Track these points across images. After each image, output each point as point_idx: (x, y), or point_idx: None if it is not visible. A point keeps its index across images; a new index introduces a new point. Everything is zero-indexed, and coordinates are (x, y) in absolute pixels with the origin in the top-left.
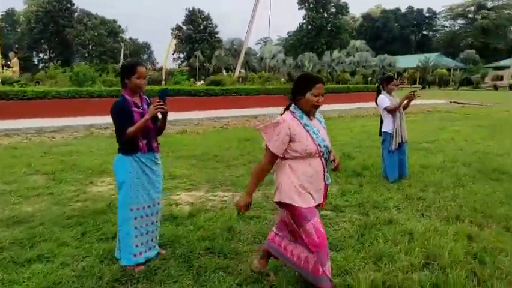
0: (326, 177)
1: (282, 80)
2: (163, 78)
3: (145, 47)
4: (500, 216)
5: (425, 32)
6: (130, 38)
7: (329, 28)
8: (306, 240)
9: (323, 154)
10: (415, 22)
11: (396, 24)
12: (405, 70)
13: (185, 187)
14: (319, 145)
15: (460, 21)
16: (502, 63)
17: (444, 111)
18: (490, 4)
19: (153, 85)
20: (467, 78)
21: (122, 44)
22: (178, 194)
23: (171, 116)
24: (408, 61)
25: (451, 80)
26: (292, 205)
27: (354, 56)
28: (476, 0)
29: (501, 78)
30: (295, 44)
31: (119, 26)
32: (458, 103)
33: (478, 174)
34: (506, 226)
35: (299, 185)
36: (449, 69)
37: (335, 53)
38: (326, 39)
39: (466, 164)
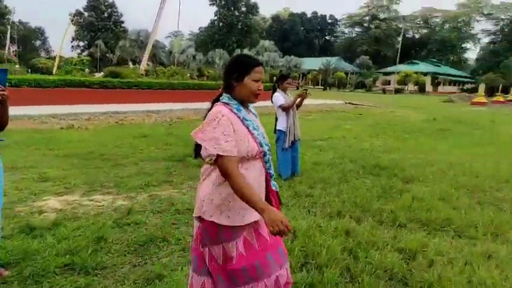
0: (271, 183)
1: (188, 74)
2: (56, 67)
3: (38, 32)
4: (375, 210)
5: (327, 37)
6: (20, 21)
7: (239, 27)
8: (207, 260)
9: (265, 155)
10: (319, 27)
11: (302, 28)
12: (309, 72)
13: (56, 191)
14: (260, 144)
15: (357, 29)
16: (389, 69)
17: (340, 111)
18: (382, 15)
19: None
20: (361, 81)
21: (8, 27)
22: (45, 200)
23: (55, 109)
24: (312, 63)
25: (348, 82)
26: (214, 223)
27: (263, 56)
28: (371, 11)
29: (389, 82)
30: (207, 40)
31: (6, 7)
32: (352, 104)
33: (361, 170)
34: (380, 220)
35: (230, 198)
36: (346, 73)
37: (245, 52)
38: (237, 37)
39: (352, 161)
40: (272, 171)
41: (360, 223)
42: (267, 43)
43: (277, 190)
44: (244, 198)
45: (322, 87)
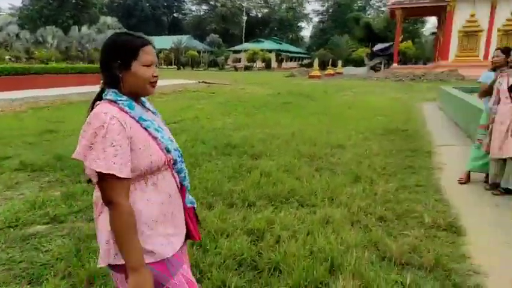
0: (186, 198)
1: (7, 57)
2: None
3: None
4: (226, 193)
5: (175, 15)
6: None
7: (74, 1)
8: None
9: (175, 162)
10: (165, 4)
11: (147, 4)
12: (160, 51)
13: None
14: (167, 149)
15: (204, 7)
16: (238, 47)
17: (193, 90)
18: None
19: None
20: (214, 60)
21: None
22: None
23: None
24: (163, 42)
25: (201, 61)
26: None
27: (106, 34)
28: None
29: (239, 60)
30: (34, 15)
31: None
32: (205, 83)
33: (214, 151)
34: (231, 202)
35: (150, 223)
36: (199, 52)
37: (84, 29)
38: (72, 12)
39: (205, 142)
40: (187, 183)
41: (212, 209)
42: (109, 20)
43: (194, 206)
44: (118, 242)
45: (176, 66)
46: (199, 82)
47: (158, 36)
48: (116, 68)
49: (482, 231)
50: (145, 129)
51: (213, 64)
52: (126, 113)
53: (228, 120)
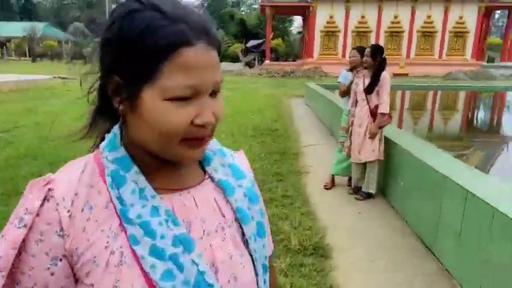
0: None
1: None
2: None
3: None
4: None
5: None
6: None
7: None
8: None
9: None
10: None
11: None
12: (9, 39)
13: None
14: None
15: None
16: None
17: (44, 88)
18: None
19: None
20: (79, 51)
21: None
22: None
23: None
24: (12, 29)
25: (64, 52)
26: None
27: None
28: None
29: None
30: None
31: None
32: (62, 78)
33: (47, 169)
34: None
35: None
36: (60, 41)
37: None
38: None
39: (38, 157)
40: None
41: None
42: None
43: None
44: None
45: (30, 58)
46: (54, 77)
47: (6, 22)
48: (112, 90)
49: (346, 248)
50: (122, 226)
51: (79, 56)
52: (107, 185)
53: (83, 124)
